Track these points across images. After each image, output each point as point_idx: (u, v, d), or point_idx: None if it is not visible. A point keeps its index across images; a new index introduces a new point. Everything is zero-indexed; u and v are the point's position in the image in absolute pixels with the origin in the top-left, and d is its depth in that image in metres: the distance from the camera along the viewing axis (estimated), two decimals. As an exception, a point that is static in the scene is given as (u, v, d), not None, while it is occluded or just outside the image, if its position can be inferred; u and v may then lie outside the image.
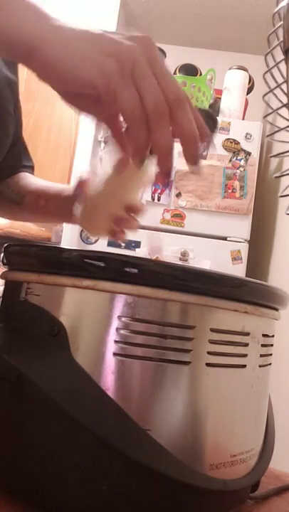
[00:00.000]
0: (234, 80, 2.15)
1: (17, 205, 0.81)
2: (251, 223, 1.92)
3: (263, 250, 2.11)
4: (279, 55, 0.41)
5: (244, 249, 1.89)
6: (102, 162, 0.63)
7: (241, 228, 1.91)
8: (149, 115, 0.35)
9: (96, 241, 1.89)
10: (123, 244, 1.88)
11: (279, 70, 0.42)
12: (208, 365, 0.38)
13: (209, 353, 0.38)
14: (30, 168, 0.89)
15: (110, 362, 0.36)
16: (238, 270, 1.86)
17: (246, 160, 1.93)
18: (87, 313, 0.37)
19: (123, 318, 0.36)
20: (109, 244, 1.88)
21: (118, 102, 0.35)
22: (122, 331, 0.36)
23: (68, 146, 2.38)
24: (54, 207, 0.77)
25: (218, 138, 1.93)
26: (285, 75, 0.41)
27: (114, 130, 0.44)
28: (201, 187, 1.91)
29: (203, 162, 1.94)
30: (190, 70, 2.32)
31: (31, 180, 0.83)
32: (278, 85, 0.42)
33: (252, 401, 0.42)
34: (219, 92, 2.20)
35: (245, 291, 0.40)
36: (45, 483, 0.37)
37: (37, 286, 0.39)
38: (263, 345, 0.43)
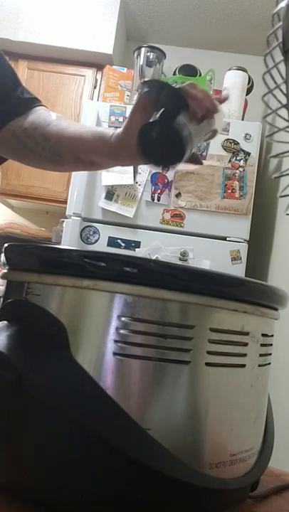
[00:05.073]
0: (233, 81, 2.15)
1: (59, 165, 0.78)
2: (251, 223, 1.92)
3: (262, 250, 2.11)
4: (278, 55, 0.41)
5: (243, 249, 1.89)
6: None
7: (241, 228, 1.91)
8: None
9: (96, 241, 1.89)
10: (123, 245, 1.88)
11: (278, 70, 0.42)
12: (207, 364, 0.38)
13: (209, 352, 0.38)
14: (36, 100, 0.83)
15: (110, 362, 0.36)
16: (238, 270, 1.86)
17: (246, 160, 1.94)
18: (87, 313, 0.37)
19: (123, 318, 0.36)
20: (109, 244, 1.89)
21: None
22: (121, 331, 0.36)
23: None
24: (98, 156, 0.74)
25: (218, 138, 1.93)
26: (284, 76, 0.41)
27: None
28: (201, 187, 1.92)
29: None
30: (190, 71, 2.32)
31: (59, 131, 0.76)
32: (277, 86, 0.42)
33: (251, 400, 0.42)
34: (219, 92, 2.20)
35: (244, 291, 0.40)
36: (46, 483, 0.37)
37: (37, 286, 0.39)
38: (262, 345, 0.43)
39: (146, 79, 0.63)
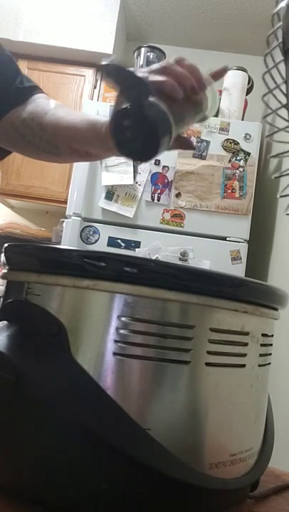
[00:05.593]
0: (233, 81, 2.15)
1: (56, 156, 0.75)
2: (251, 223, 1.92)
3: (262, 250, 2.11)
4: (278, 55, 0.41)
5: (243, 249, 1.89)
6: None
7: (241, 228, 1.91)
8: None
9: (96, 241, 1.89)
10: (123, 245, 1.88)
11: (278, 70, 0.42)
12: (207, 364, 0.38)
13: (209, 352, 0.38)
14: (36, 88, 0.80)
15: (110, 361, 0.36)
16: (238, 270, 1.86)
17: (246, 160, 1.94)
18: (87, 313, 0.37)
19: (123, 318, 0.36)
20: (109, 244, 1.89)
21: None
22: (121, 331, 0.36)
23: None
24: (91, 147, 0.70)
25: (218, 138, 1.93)
26: (284, 76, 0.41)
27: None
28: (201, 187, 1.92)
29: (202, 162, 1.92)
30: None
31: (55, 120, 0.72)
32: (277, 86, 0.42)
33: (251, 400, 0.42)
34: (218, 92, 2.20)
35: (244, 291, 0.40)
36: (45, 483, 0.37)
37: (37, 286, 0.39)
38: (262, 345, 0.43)
39: (103, 62, 0.52)
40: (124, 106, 0.51)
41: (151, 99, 0.51)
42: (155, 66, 0.57)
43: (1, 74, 0.76)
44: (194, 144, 1.90)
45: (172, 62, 0.57)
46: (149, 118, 0.50)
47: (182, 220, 1.91)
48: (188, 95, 0.56)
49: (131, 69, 0.53)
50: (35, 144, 0.75)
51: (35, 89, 0.79)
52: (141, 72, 0.55)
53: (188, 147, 0.68)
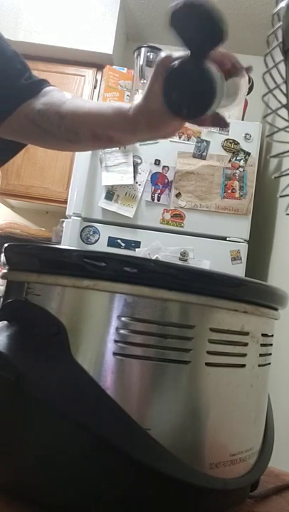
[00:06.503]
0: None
1: (74, 143, 0.77)
2: (251, 223, 1.92)
3: (262, 250, 2.11)
4: (278, 55, 0.41)
5: (243, 249, 1.89)
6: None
7: (241, 228, 1.91)
8: None
9: (96, 241, 1.89)
10: (123, 245, 1.88)
11: (278, 70, 0.42)
12: (207, 364, 0.38)
13: (209, 352, 0.38)
14: (46, 81, 0.82)
15: (110, 361, 0.36)
16: (238, 270, 1.86)
17: (246, 160, 1.94)
18: (87, 313, 0.37)
19: (123, 318, 0.36)
20: (109, 244, 1.89)
21: None
22: (121, 331, 0.36)
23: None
24: (116, 130, 0.72)
25: (218, 138, 1.93)
26: (284, 76, 0.41)
27: None
28: (201, 187, 1.92)
29: (202, 162, 1.92)
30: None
31: (75, 107, 0.74)
32: (277, 86, 0.42)
33: (251, 400, 0.42)
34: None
35: (244, 291, 0.40)
36: (45, 483, 0.37)
37: (37, 286, 0.39)
38: (262, 345, 0.43)
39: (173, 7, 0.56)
40: (181, 60, 0.54)
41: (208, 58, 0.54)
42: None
43: (10, 68, 0.77)
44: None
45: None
46: (208, 72, 0.53)
47: (182, 220, 1.91)
48: (229, 71, 0.60)
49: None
50: (52, 132, 0.76)
51: (44, 82, 0.80)
52: (182, 52, 0.58)
53: (224, 124, 0.69)
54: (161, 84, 0.59)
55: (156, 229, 1.90)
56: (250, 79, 2.24)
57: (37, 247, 0.40)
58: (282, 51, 0.40)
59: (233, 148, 1.94)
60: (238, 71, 0.60)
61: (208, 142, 1.93)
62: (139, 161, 1.92)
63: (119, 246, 1.88)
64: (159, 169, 1.92)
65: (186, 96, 0.56)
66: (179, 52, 0.59)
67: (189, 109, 0.57)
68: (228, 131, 1.94)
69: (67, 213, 1.91)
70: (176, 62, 0.55)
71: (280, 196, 0.47)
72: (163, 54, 0.61)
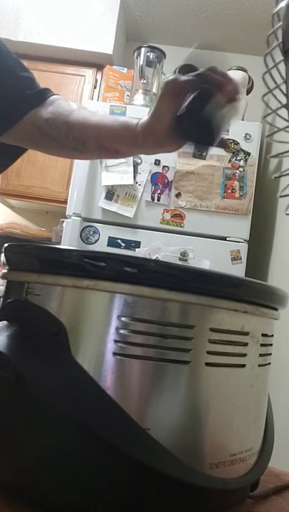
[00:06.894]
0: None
1: (81, 153, 0.80)
2: (251, 223, 1.92)
3: (262, 250, 2.11)
4: (278, 55, 0.41)
5: (243, 249, 1.89)
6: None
7: (241, 228, 1.91)
8: None
9: (96, 241, 1.89)
10: (123, 245, 1.88)
11: (278, 70, 0.42)
12: (207, 364, 0.38)
13: (209, 352, 0.38)
14: (49, 90, 0.83)
15: (110, 361, 0.36)
16: (238, 270, 1.86)
17: (246, 160, 1.93)
18: (87, 313, 0.37)
19: (123, 318, 0.36)
20: (109, 244, 1.89)
21: None
22: (121, 331, 0.36)
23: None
24: (122, 144, 0.75)
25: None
26: (284, 76, 0.41)
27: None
28: (201, 187, 1.92)
29: (202, 162, 1.93)
30: (189, 71, 2.32)
31: (83, 118, 0.77)
32: (277, 86, 0.42)
33: (251, 400, 0.42)
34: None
35: (244, 291, 0.40)
36: (45, 483, 0.37)
37: (37, 286, 0.39)
38: (262, 345, 0.43)
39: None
40: (183, 110, 0.62)
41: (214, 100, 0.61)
42: (194, 73, 0.64)
43: (14, 77, 0.78)
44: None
45: (208, 71, 0.64)
46: (209, 120, 0.61)
47: (182, 220, 1.91)
48: (229, 99, 0.64)
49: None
50: (60, 141, 0.78)
51: (48, 91, 0.82)
52: (186, 77, 0.64)
53: (224, 145, 0.73)
54: (168, 104, 0.65)
55: (156, 229, 1.90)
56: (250, 79, 2.24)
57: (37, 247, 0.40)
58: (282, 51, 0.40)
59: (233, 148, 1.94)
60: (237, 90, 0.65)
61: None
62: (139, 160, 1.92)
63: (119, 246, 1.88)
64: (159, 169, 1.92)
65: (195, 135, 0.64)
66: (184, 77, 0.64)
67: (198, 145, 0.67)
68: (228, 131, 1.94)
69: (67, 213, 1.91)
70: (186, 102, 0.62)
71: (280, 196, 0.47)
72: (171, 77, 0.66)
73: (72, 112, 0.77)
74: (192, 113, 0.61)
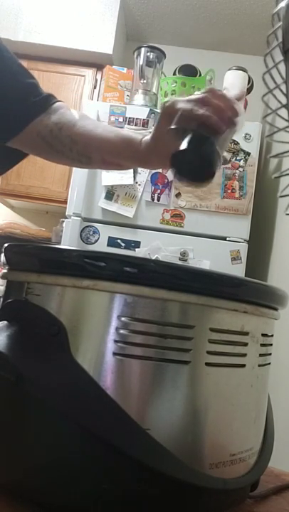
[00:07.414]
0: (233, 81, 2.15)
1: (86, 165, 0.81)
2: (251, 223, 1.92)
3: (262, 250, 2.11)
4: (278, 55, 0.41)
5: (243, 249, 1.89)
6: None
7: (241, 228, 1.91)
8: None
9: (96, 241, 1.89)
10: (123, 245, 1.88)
11: (278, 70, 0.42)
12: (207, 364, 0.38)
13: (209, 352, 0.38)
14: (53, 96, 0.84)
15: (110, 361, 0.36)
16: (238, 270, 1.86)
17: (245, 160, 1.94)
18: (87, 313, 0.37)
19: (123, 318, 0.36)
20: (109, 244, 1.89)
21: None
22: (121, 331, 0.36)
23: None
24: (126, 160, 0.76)
25: (218, 138, 1.93)
26: (284, 76, 0.41)
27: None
28: (201, 187, 1.92)
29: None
30: (190, 71, 2.32)
31: (86, 133, 0.78)
32: (277, 86, 0.42)
33: (251, 400, 0.42)
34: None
35: (244, 291, 0.40)
36: (46, 483, 0.37)
37: (37, 286, 0.39)
38: (262, 345, 0.43)
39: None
40: (182, 147, 0.61)
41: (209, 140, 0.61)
42: (193, 97, 0.64)
43: (18, 84, 0.78)
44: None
45: (208, 95, 0.63)
46: (207, 157, 0.61)
47: (182, 220, 1.91)
48: (227, 124, 0.64)
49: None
50: (64, 153, 0.79)
51: (52, 97, 0.82)
52: (183, 102, 0.63)
53: (225, 163, 0.75)
54: (167, 127, 0.65)
55: (156, 229, 1.90)
56: (250, 79, 2.24)
57: (37, 247, 0.40)
58: (282, 51, 0.40)
59: (233, 148, 1.94)
60: (236, 114, 0.64)
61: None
62: (139, 161, 1.92)
63: (119, 246, 1.88)
64: (158, 169, 1.92)
65: (191, 173, 0.64)
66: (182, 101, 0.63)
67: (196, 181, 0.66)
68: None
69: (67, 213, 1.91)
70: (183, 142, 0.61)
71: (280, 196, 0.47)
72: (168, 103, 0.66)
73: (76, 123, 0.78)
74: (189, 154, 0.61)
